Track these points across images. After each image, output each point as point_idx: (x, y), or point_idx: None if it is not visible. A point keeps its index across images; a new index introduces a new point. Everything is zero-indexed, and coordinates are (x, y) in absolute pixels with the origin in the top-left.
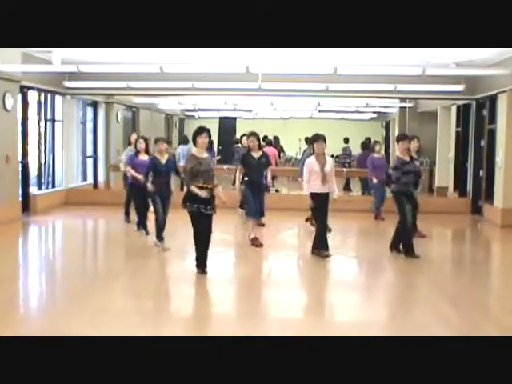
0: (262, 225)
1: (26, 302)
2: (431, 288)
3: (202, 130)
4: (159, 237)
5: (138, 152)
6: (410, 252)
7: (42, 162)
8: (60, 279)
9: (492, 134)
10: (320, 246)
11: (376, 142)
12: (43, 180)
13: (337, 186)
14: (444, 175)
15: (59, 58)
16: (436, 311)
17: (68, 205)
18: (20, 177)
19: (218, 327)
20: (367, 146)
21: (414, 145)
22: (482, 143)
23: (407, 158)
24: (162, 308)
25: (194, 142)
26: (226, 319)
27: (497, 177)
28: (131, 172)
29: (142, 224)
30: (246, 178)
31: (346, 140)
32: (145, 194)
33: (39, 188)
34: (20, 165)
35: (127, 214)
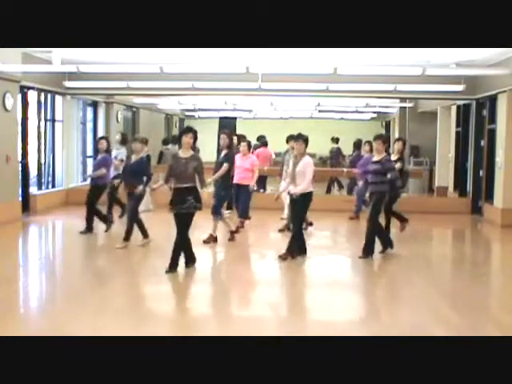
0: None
1: (26, 302)
2: (431, 288)
3: (187, 130)
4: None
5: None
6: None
7: (42, 162)
8: (60, 279)
9: (492, 134)
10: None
11: (366, 142)
12: (43, 180)
13: (302, 188)
14: (444, 175)
15: (59, 58)
16: (436, 311)
17: (68, 205)
18: (20, 177)
19: (218, 327)
20: (359, 146)
21: (397, 146)
22: (482, 143)
23: (375, 158)
24: (162, 308)
25: (179, 141)
26: (225, 319)
27: (497, 177)
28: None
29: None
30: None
31: (337, 140)
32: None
33: (39, 188)
34: (20, 165)
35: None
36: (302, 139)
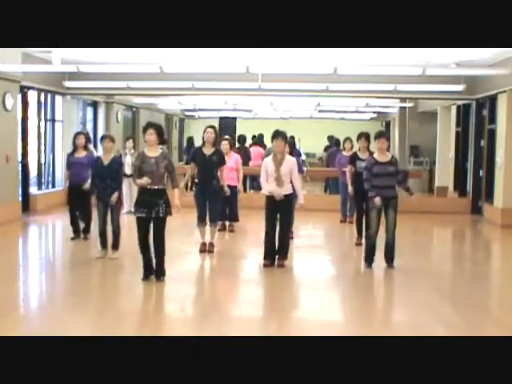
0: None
1: (26, 301)
2: (431, 288)
3: (147, 127)
4: (102, 245)
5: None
6: (366, 260)
7: (42, 162)
8: (60, 279)
9: (492, 134)
10: (264, 255)
11: (346, 138)
12: (43, 180)
13: (301, 193)
14: (444, 175)
15: (59, 58)
16: (436, 311)
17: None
18: (20, 177)
19: (215, 327)
20: (336, 143)
21: (361, 143)
22: (482, 143)
23: (382, 159)
24: (162, 308)
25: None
26: (222, 319)
27: (497, 177)
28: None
29: (86, 229)
30: (196, 180)
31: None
32: (86, 197)
33: (39, 188)
34: (20, 165)
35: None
36: (280, 136)
